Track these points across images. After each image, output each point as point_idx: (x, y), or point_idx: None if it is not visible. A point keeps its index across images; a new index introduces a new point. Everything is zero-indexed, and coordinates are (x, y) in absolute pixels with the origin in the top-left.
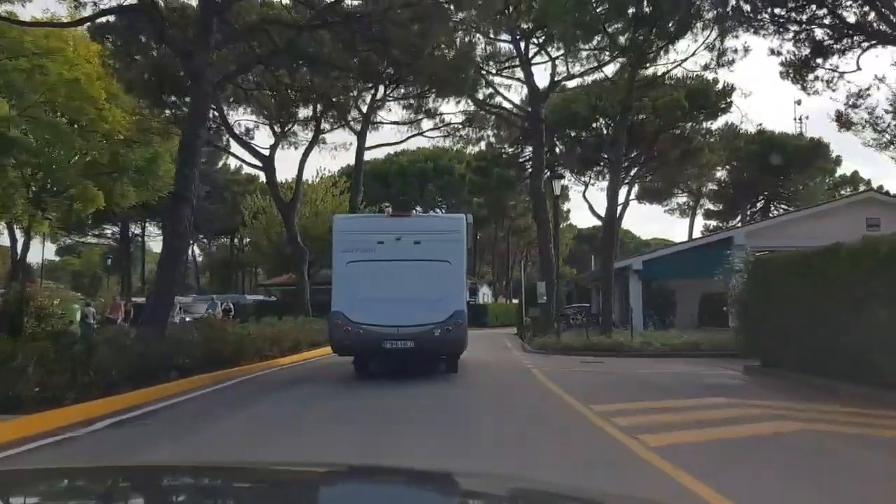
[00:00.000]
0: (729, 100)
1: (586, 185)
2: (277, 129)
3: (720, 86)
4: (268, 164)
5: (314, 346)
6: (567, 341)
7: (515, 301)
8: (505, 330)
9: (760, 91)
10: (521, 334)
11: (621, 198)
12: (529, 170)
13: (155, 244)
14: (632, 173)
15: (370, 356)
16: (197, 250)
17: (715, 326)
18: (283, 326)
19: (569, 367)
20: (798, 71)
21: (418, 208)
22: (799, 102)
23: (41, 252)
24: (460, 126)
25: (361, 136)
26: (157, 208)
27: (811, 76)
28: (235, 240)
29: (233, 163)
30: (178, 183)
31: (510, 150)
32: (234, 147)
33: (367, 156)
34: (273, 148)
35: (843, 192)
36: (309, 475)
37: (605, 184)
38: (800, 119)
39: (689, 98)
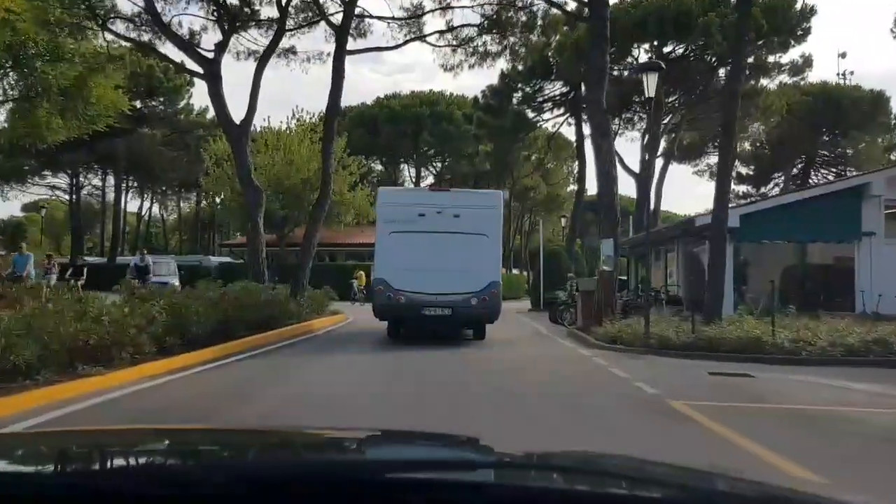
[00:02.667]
0: (807, 25)
1: (615, 133)
2: (226, 26)
3: (800, 4)
4: (212, 70)
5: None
6: (662, 334)
7: (517, 272)
8: (513, 304)
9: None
10: (557, 316)
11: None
12: (551, 114)
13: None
14: (664, 122)
15: (409, 321)
16: (155, 208)
17: (828, 309)
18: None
19: (702, 385)
20: None
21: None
22: (843, 55)
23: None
24: (477, 30)
25: (342, 34)
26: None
27: None
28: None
29: (197, 102)
30: None
31: (529, 87)
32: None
33: (354, 99)
34: (220, 48)
35: None
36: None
37: (635, 133)
38: (843, 74)
39: (766, 14)
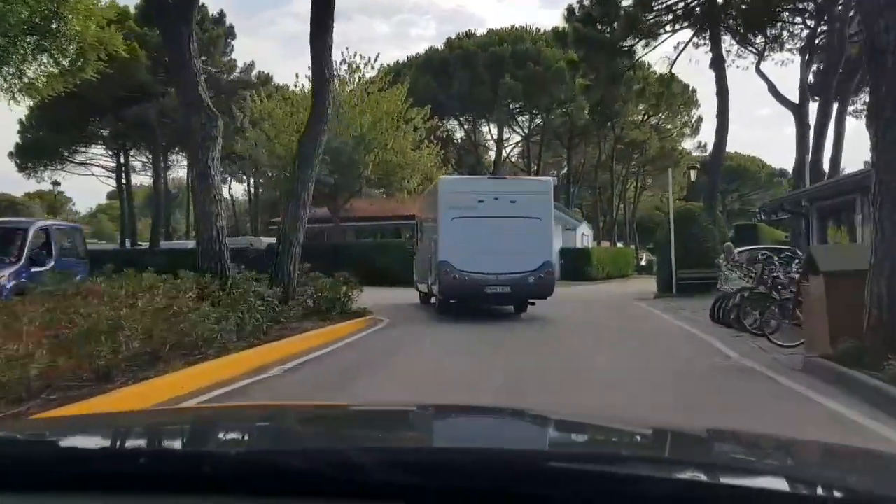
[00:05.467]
0: None
1: (760, 54)
2: None
3: None
4: None
5: None
6: None
7: (621, 245)
8: (625, 286)
9: None
10: (729, 314)
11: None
12: (672, 27)
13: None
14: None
15: (473, 299)
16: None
17: None
18: None
19: None
20: None
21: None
22: None
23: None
24: None
25: None
26: (145, 122)
27: None
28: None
29: (240, 56)
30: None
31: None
32: None
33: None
34: None
35: None
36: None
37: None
38: None
39: None
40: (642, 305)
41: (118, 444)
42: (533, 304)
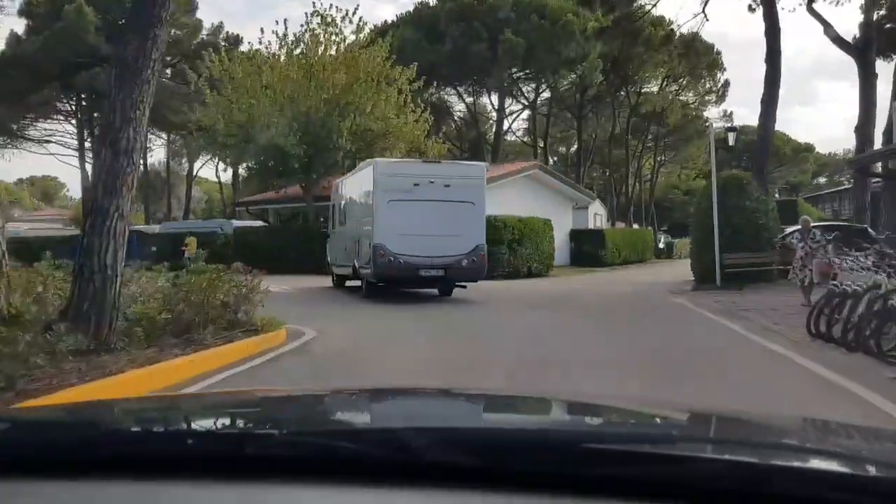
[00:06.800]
0: None
1: None
2: None
3: None
4: None
5: None
6: None
7: (636, 226)
8: (642, 272)
9: None
10: (820, 321)
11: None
12: None
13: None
14: None
15: (406, 282)
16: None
17: None
18: None
19: None
20: None
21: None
22: None
23: None
24: None
25: None
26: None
27: None
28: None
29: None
30: None
31: None
32: None
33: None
34: None
35: None
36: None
37: None
38: None
39: None
40: (683, 303)
41: (162, 425)
42: (464, 287)
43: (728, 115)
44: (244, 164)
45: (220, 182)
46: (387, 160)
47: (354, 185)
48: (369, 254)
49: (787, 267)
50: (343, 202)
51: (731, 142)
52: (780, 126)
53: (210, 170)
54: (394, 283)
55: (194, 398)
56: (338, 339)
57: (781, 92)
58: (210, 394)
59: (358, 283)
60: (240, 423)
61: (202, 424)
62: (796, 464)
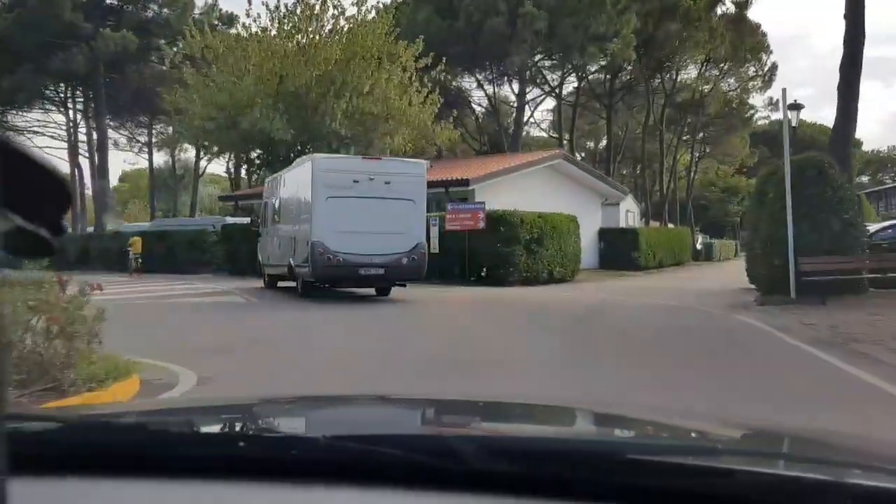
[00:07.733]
0: None
1: None
2: None
3: None
4: None
5: None
6: None
7: (672, 225)
8: (684, 277)
9: None
10: None
11: None
12: None
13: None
14: None
15: (346, 281)
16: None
17: None
18: None
19: None
20: None
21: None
22: None
23: None
24: None
25: None
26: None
27: None
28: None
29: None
30: None
31: None
32: None
33: None
34: None
35: None
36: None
37: None
38: None
39: None
40: (758, 326)
41: (209, 428)
42: (403, 285)
43: (774, 104)
44: (225, 154)
45: (230, 177)
46: (325, 156)
47: (291, 182)
48: (307, 252)
49: (881, 275)
50: (277, 199)
51: (793, 122)
52: (820, 121)
53: (220, 165)
54: (332, 283)
55: (234, 404)
56: (228, 388)
57: (818, 90)
58: (249, 398)
59: (293, 283)
60: (284, 427)
61: (250, 427)
62: (847, 480)
